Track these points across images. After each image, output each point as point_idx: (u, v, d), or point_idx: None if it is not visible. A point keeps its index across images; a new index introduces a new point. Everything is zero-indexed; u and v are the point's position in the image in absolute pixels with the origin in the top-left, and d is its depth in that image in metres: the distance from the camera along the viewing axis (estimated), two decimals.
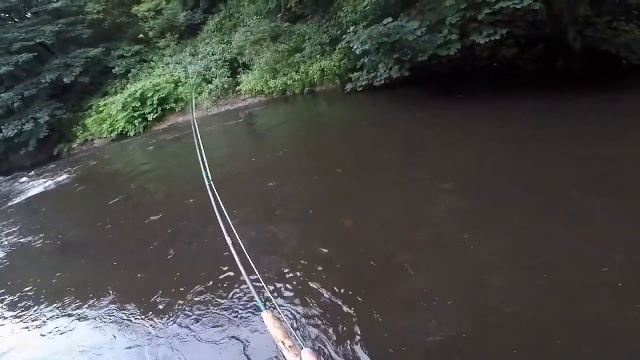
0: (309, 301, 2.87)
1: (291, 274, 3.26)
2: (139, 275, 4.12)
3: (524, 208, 3.35)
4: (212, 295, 3.31)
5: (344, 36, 9.27)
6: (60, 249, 5.68)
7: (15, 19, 17.85)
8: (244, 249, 0.90)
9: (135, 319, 3.38)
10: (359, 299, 2.77)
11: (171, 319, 3.20)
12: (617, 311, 2.20)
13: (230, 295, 3.22)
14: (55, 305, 4.03)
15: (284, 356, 0.64)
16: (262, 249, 3.72)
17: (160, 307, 3.40)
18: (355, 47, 7.77)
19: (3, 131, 15.66)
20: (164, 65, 16.55)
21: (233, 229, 0.95)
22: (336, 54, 11.58)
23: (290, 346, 0.68)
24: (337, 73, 11.49)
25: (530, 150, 4.36)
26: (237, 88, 14.01)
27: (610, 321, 2.16)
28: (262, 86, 12.99)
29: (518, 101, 6.05)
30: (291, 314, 2.72)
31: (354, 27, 8.56)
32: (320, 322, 2.64)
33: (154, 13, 16.32)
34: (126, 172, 9.51)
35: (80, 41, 16.80)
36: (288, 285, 3.13)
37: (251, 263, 0.79)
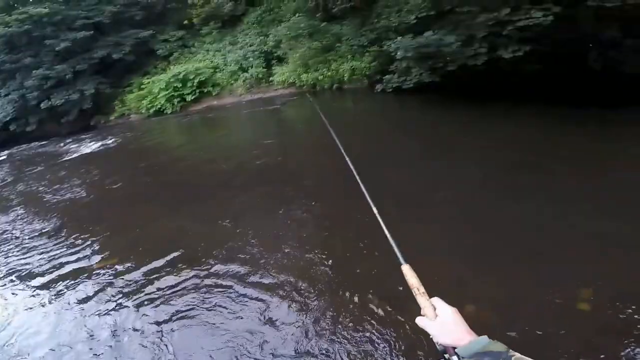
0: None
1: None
2: None
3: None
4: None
5: (384, 42, 9.92)
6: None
7: None
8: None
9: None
10: None
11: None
12: None
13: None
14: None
15: (418, 302, 0.83)
16: None
17: None
18: (399, 53, 8.55)
19: (52, 99, 16.99)
20: (205, 51, 17.61)
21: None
22: (367, 56, 12.23)
23: (423, 292, 0.84)
24: (365, 74, 12.16)
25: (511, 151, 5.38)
26: (270, 79, 14.87)
27: None
28: (294, 79, 13.80)
29: (530, 110, 6.98)
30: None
31: (400, 37, 9.04)
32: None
33: (202, 1, 17.40)
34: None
35: (132, 22, 18.12)
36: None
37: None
